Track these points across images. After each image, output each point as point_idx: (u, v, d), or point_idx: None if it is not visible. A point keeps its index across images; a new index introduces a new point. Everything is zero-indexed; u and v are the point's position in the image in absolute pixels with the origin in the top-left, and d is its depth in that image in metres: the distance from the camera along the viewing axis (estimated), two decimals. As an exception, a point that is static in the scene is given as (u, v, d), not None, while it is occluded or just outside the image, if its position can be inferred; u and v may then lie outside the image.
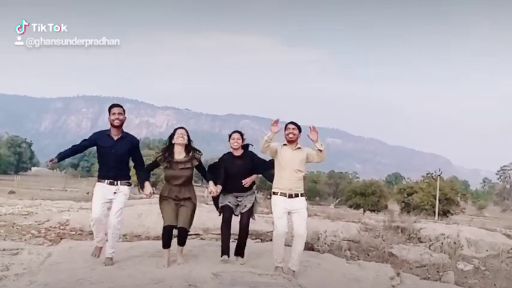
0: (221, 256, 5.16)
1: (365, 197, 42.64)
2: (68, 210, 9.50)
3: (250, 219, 5.38)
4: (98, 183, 5.00)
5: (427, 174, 42.93)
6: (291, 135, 5.12)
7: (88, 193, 20.12)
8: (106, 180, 4.94)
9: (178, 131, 5.11)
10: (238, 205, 5.34)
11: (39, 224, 8.07)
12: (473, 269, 6.81)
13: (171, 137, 5.14)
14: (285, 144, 5.15)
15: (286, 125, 5.22)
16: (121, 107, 5.02)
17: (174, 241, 5.09)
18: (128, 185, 5.07)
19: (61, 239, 7.01)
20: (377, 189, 43.53)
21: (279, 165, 5.14)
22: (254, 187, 5.55)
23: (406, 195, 39.11)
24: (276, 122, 5.02)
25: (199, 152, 5.17)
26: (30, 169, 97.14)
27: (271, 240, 5.93)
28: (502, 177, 69.41)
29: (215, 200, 5.42)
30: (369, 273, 5.58)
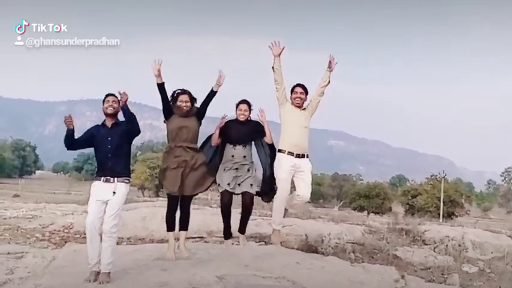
0: (225, 239, 5.28)
1: (369, 199, 42.52)
2: (72, 214, 9.52)
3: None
4: (93, 183, 4.68)
5: (431, 176, 42.81)
6: (298, 100, 5.07)
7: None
8: (102, 178, 4.60)
9: (182, 97, 4.96)
10: (239, 184, 5.08)
11: (43, 228, 8.09)
12: (478, 271, 6.78)
13: (172, 99, 5.00)
14: (291, 104, 5.09)
15: (294, 87, 5.12)
16: (115, 96, 4.75)
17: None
18: (126, 183, 4.67)
19: (65, 242, 7.03)
20: (381, 191, 43.41)
21: (287, 122, 5.04)
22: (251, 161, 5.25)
23: (410, 197, 39.02)
24: (275, 44, 4.91)
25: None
26: (34, 172, 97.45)
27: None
28: (506, 178, 69.30)
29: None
30: (374, 276, 5.56)
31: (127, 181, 4.67)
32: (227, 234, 5.31)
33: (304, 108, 5.13)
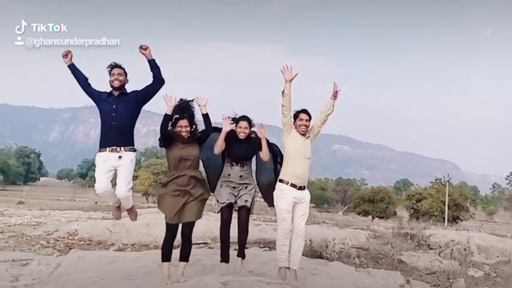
0: (220, 262, 4.92)
1: (373, 204, 42.43)
2: (77, 220, 9.53)
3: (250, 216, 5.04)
4: (98, 154, 4.57)
5: (436, 180, 42.76)
6: (303, 128, 4.92)
7: (96, 203, 20.19)
8: (108, 148, 4.52)
9: (181, 122, 4.61)
10: (235, 201, 4.93)
11: (48, 234, 8.10)
12: (483, 275, 6.75)
13: (172, 124, 4.66)
14: (296, 131, 4.96)
15: (298, 113, 4.95)
16: (121, 68, 4.68)
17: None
18: (133, 151, 4.63)
19: (70, 249, 7.04)
20: (385, 195, 43.31)
21: (291, 152, 4.90)
22: (253, 182, 5.12)
23: (414, 202, 38.89)
24: (287, 68, 4.73)
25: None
26: (39, 179, 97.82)
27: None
28: (511, 182, 68.92)
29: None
30: (379, 281, 5.54)
31: (133, 150, 4.64)
32: (224, 257, 4.96)
33: (308, 137, 5.02)
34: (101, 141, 4.62)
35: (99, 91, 4.75)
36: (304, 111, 4.98)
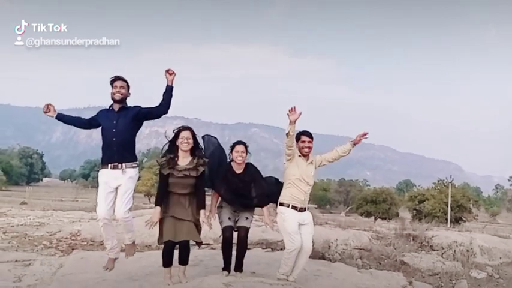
0: (222, 270, 4.97)
1: (376, 205, 42.45)
2: (79, 221, 9.55)
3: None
4: (100, 172, 4.54)
5: (439, 181, 42.72)
6: (306, 150, 4.90)
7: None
8: (109, 165, 4.46)
9: (183, 133, 4.58)
10: (236, 220, 4.99)
11: (50, 235, 8.12)
12: (486, 277, 6.72)
13: (174, 138, 4.61)
14: (299, 156, 4.94)
15: (300, 135, 4.95)
16: (124, 80, 4.58)
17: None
18: (134, 167, 4.58)
19: (72, 249, 7.05)
20: (388, 196, 43.35)
21: (292, 178, 4.89)
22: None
23: (417, 203, 38.93)
24: (292, 109, 4.65)
25: (205, 158, 4.66)
26: (41, 180, 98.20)
27: (281, 249, 5.87)
28: (514, 183, 68.73)
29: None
30: (381, 282, 5.54)
31: (135, 165, 4.59)
32: (226, 267, 4.99)
33: (311, 162, 5.00)
34: (102, 158, 4.59)
35: (96, 114, 4.70)
36: (306, 133, 4.97)
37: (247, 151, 4.99)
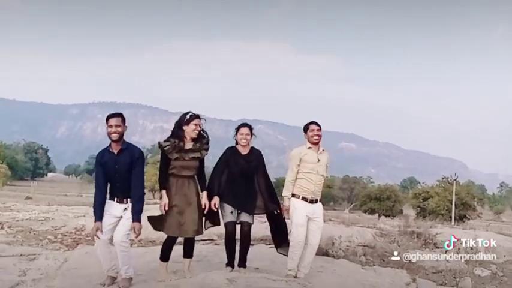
0: (226, 266, 4.97)
1: (380, 202, 42.42)
2: (84, 216, 9.59)
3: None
4: (107, 202, 4.50)
5: (443, 178, 42.63)
6: (315, 138, 4.93)
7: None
8: (115, 199, 4.48)
9: (195, 121, 4.62)
10: (239, 213, 4.96)
11: (55, 230, 8.17)
12: (490, 274, 6.71)
13: (181, 122, 4.63)
14: (309, 148, 4.97)
15: (308, 125, 4.98)
16: (119, 116, 4.47)
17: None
18: None
19: (77, 244, 7.08)
20: (392, 194, 43.29)
21: (304, 169, 4.92)
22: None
23: (421, 200, 38.85)
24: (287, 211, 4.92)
25: (207, 142, 4.71)
26: (46, 175, 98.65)
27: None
28: (519, 181, 68.46)
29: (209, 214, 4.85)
30: (385, 279, 5.53)
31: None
32: (230, 263, 4.99)
33: (323, 150, 5.04)
34: (109, 190, 4.56)
35: (96, 162, 4.58)
36: (314, 122, 5.02)
37: (252, 133, 5.00)
